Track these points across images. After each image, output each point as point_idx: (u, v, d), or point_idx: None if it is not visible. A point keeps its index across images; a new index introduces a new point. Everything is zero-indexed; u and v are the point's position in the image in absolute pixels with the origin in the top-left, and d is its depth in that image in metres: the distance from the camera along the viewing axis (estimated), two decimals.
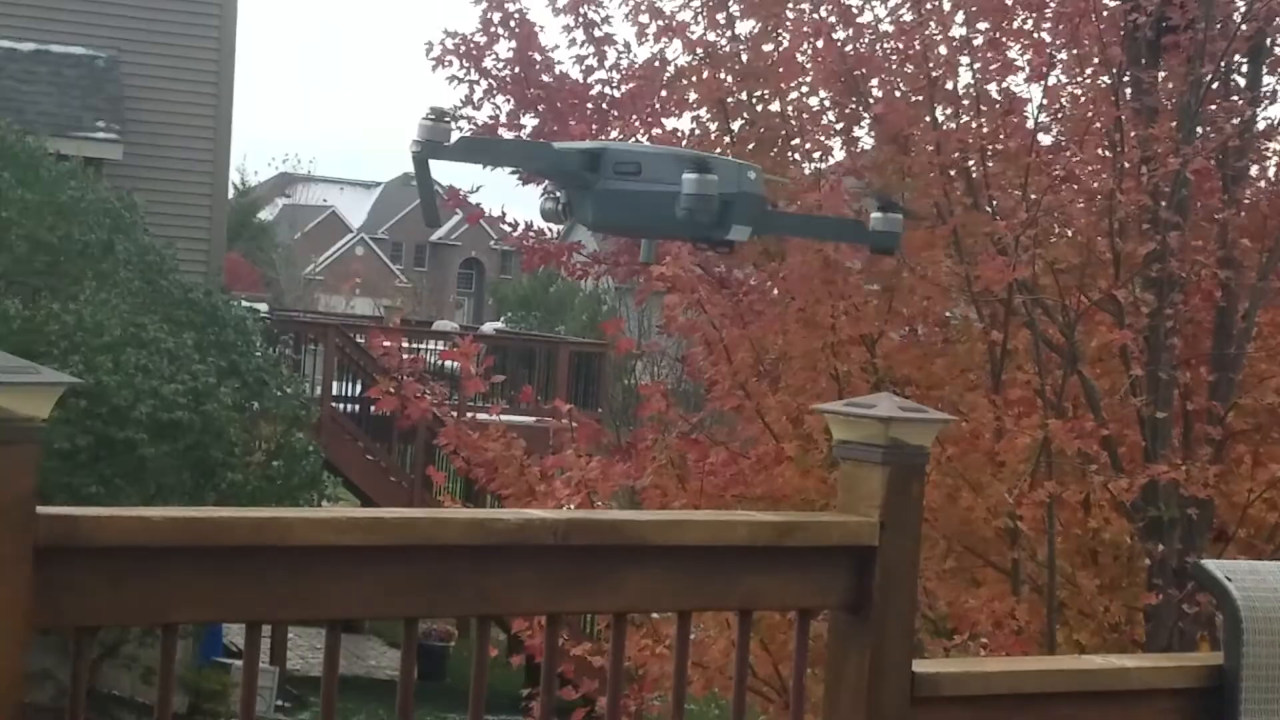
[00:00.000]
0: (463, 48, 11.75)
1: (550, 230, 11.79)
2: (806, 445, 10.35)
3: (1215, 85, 10.87)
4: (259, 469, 17.96)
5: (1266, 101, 11.47)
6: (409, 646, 3.38)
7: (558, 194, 4.32)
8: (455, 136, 4.03)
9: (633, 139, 11.23)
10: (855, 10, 10.97)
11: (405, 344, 12.26)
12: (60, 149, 19.23)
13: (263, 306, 27.37)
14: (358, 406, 24.00)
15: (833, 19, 10.77)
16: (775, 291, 10.85)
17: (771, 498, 10.32)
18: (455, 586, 3.33)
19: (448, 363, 15.35)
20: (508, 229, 12.26)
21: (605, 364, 27.06)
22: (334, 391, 23.70)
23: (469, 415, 12.31)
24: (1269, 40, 11.27)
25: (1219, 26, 10.72)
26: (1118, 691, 4.13)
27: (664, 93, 11.29)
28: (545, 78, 11.67)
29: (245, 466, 17.62)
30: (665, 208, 4.09)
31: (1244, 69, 11.35)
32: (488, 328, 36.96)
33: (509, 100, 11.72)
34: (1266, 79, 11.38)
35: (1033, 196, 10.22)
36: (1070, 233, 10.84)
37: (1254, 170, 11.58)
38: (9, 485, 2.81)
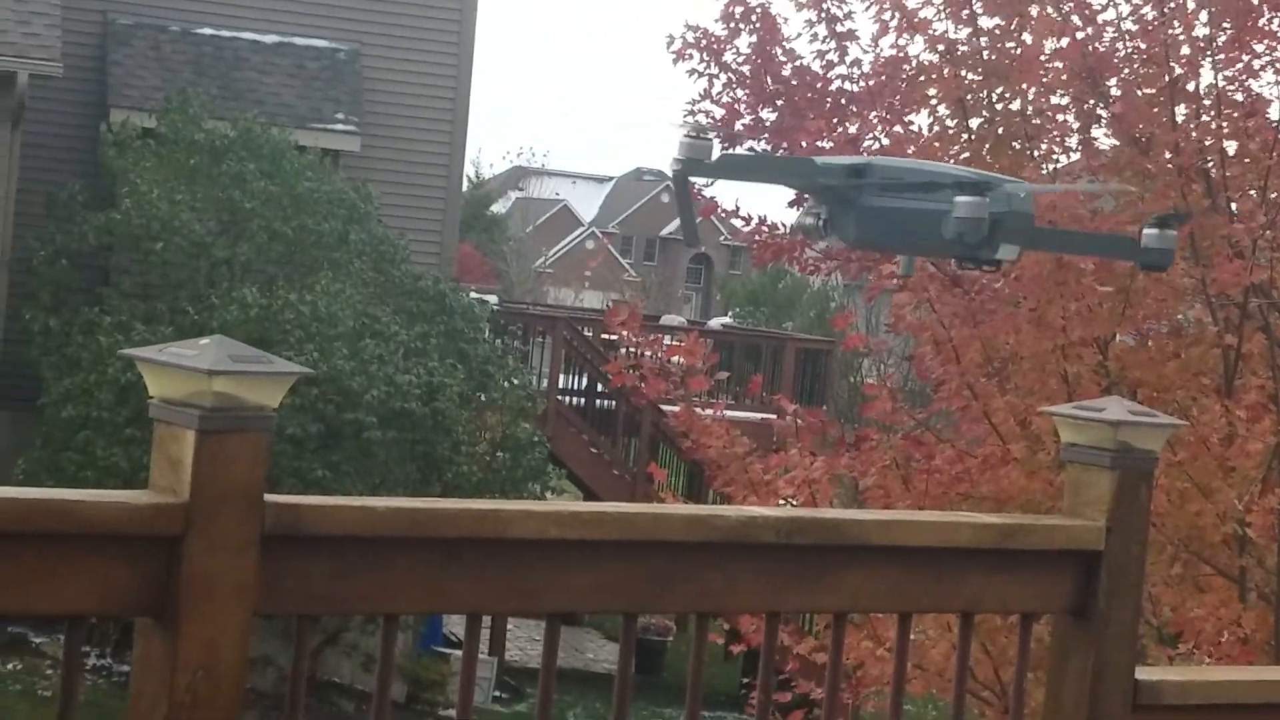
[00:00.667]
0: (703, 41, 11.80)
1: (782, 225, 11.76)
2: (1034, 447, 10.22)
3: None
4: (484, 460, 18.15)
5: None
6: (627, 641, 3.38)
7: (818, 209, 4.17)
8: (716, 152, 3.94)
9: (870, 135, 11.17)
10: (1098, 8, 10.80)
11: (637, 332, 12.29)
12: (300, 140, 19.62)
13: (492, 298, 27.67)
14: (583, 399, 24.16)
15: (1075, 18, 10.61)
16: (1006, 291, 10.73)
17: (996, 499, 10.21)
18: (674, 583, 3.33)
19: (674, 358, 15.42)
20: (740, 224, 12.25)
21: (832, 361, 26.97)
22: (560, 384, 23.86)
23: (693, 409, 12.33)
24: None
25: None
26: None
27: (904, 89, 11.20)
28: (785, 71, 11.65)
29: (470, 458, 17.82)
30: (932, 227, 3.92)
31: None
32: (714, 323, 37.04)
33: (747, 94, 11.73)
34: None
35: (1272, 197, 9.99)
36: None
37: None
38: (239, 473, 2.85)
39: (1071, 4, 10.81)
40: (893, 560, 3.53)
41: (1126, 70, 10.78)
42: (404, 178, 21.50)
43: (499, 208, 69.87)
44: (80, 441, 16.49)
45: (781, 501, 10.47)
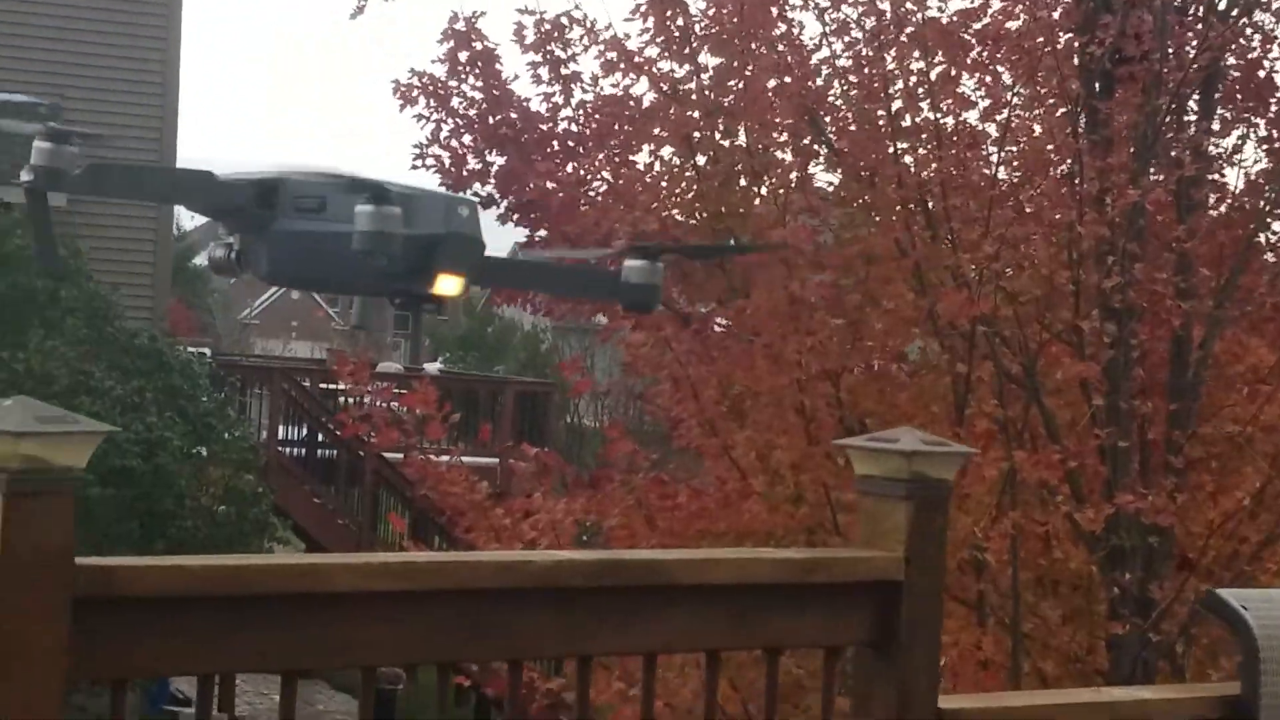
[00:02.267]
0: (429, 86, 11.67)
1: None
2: (773, 481, 10.30)
3: (1169, 116, 10.84)
4: (208, 514, 17.77)
5: (1220, 131, 11.44)
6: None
7: (230, 239, 3.58)
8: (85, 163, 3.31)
9: (597, 176, 11.18)
10: (811, 48, 10.96)
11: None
12: (4, 198, 19.01)
13: (207, 351, 27.15)
14: (304, 450, 23.84)
15: (790, 58, 10.76)
16: (737, 328, 10.81)
17: (737, 533, 10.25)
18: (485, 630, 3.28)
19: (405, 407, 15.27)
20: None
21: (551, 404, 26.97)
22: (280, 435, 23.52)
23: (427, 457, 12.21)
24: (1222, 70, 11.25)
25: (1173, 57, 10.70)
26: None
27: (628, 128, 11.24)
28: (511, 114, 11.59)
29: (194, 513, 17.44)
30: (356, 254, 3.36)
31: (1197, 99, 11.31)
32: (430, 368, 36.78)
33: (474, 139, 11.64)
34: (1220, 110, 11.37)
35: (994, 230, 10.21)
36: (1032, 264, 10.80)
37: (1210, 199, 11.51)
38: (49, 537, 2.74)
39: (785, 45, 10.96)
40: (700, 599, 3.51)
41: (845, 106, 10.94)
42: (114, 232, 21.00)
43: (202, 260, 68.60)
44: None
45: (521, 546, 10.40)
